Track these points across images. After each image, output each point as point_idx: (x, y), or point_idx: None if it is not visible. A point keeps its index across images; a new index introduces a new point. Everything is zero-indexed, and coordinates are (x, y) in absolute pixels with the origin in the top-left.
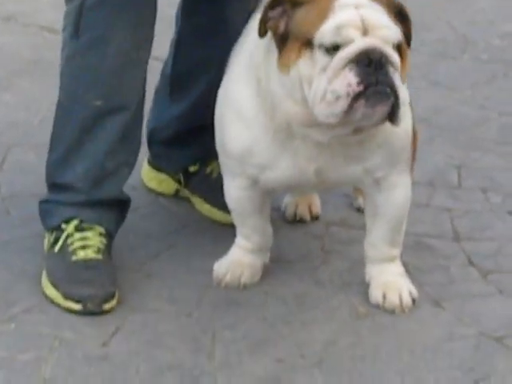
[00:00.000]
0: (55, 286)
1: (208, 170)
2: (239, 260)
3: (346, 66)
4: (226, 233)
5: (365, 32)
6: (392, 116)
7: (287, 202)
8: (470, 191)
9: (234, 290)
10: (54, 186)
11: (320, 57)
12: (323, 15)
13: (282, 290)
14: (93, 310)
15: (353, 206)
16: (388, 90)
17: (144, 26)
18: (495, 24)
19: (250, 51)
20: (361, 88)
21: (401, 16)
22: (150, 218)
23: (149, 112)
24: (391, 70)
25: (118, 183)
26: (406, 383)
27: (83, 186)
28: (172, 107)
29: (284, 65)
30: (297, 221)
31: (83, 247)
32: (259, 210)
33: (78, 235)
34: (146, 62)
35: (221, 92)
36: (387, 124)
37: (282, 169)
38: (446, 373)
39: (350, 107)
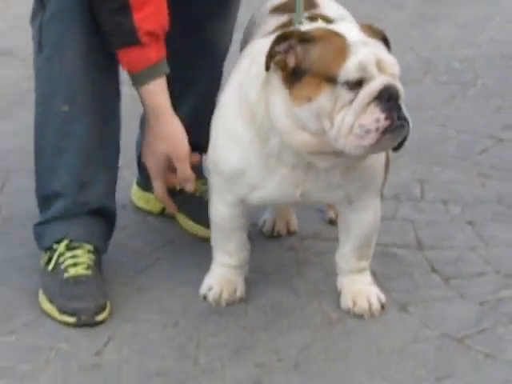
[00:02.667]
0: (51, 301)
1: None
2: (227, 277)
3: (371, 101)
4: (207, 247)
5: (379, 69)
6: (399, 145)
7: (266, 218)
8: (432, 203)
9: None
10: (43, 199)
11: (343, 92)
12: (342, 53)
13: (260, 299)
14: (86, 322)
15: (325, 219)
16: (406, 123)
17: (98, 32)
18: (455, 48)
19: (240, 86)
20: (388, 123)
21: (384, 43)
22: (138, 236)
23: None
24: (402, 103)
25: (101, 188)
26: (375, 382)
27: (70, 191)
28: None
29: (300, 98)
30: (274, 236)
31: (74, 264)
32: (242, 227)
33: (68, 254)
34: (106, 67)
35: (216, 115)
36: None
37: (269, 190)
38: (411, 372)
39: (378, 140)
